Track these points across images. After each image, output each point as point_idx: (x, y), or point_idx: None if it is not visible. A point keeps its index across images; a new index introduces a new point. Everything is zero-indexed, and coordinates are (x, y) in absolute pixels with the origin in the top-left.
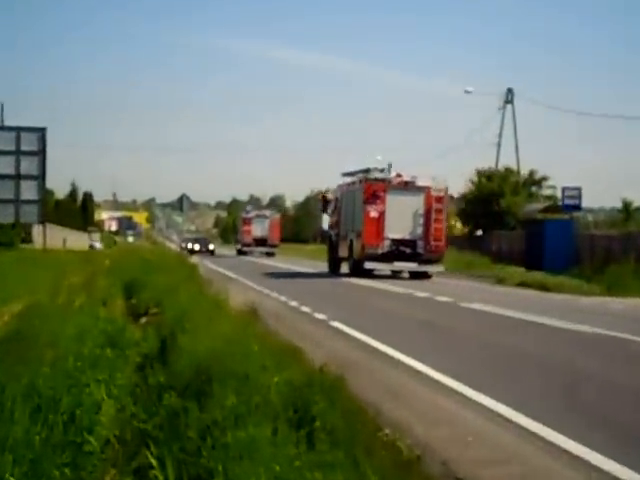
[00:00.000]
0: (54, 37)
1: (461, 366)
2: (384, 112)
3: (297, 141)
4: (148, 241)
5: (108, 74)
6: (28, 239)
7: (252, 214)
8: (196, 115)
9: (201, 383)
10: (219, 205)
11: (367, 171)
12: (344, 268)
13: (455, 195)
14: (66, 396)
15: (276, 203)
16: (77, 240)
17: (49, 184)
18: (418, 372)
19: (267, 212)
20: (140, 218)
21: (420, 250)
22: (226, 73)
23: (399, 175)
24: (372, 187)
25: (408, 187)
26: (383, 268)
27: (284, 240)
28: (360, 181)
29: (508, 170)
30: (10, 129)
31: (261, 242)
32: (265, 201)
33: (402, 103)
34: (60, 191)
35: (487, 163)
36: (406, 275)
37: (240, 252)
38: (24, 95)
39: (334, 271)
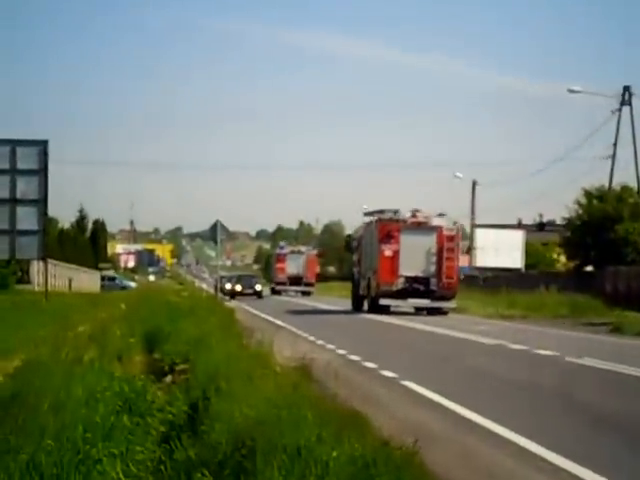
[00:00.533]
0: (58, 39)
1: (580, 444)
2: (465, 118)
3: (356, 156)
4: (174, 280)
5: (123, 80)
6: (25, 279)
7: (286, 250)
8: (232, 127)
9: (241, 458)
10: (261, 235)
11: (382, 212)
12: (366, 306)
13: (558, 221)
14: (74, 474)
15: (332, 231)
16: (86, 280)
17: (52, 210)
18: (520, 448)
19: (303, 248)
20: (164, 251)
21: (433, 287)
22: (270, 76)
23: (413, 215)
24: (386, 227)
25: (421, 227)
26: (398, 304)
27: (342, 278)
28: (375, 221)
29: (625, 189)
30: (3, 142)
31: (296, 280)
32: (318, 229)
33: (490, 107)
34: (65, 219)
35: (597, 180)
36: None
37: (274, 291)
38: (22, 104)
39: (357, 308)
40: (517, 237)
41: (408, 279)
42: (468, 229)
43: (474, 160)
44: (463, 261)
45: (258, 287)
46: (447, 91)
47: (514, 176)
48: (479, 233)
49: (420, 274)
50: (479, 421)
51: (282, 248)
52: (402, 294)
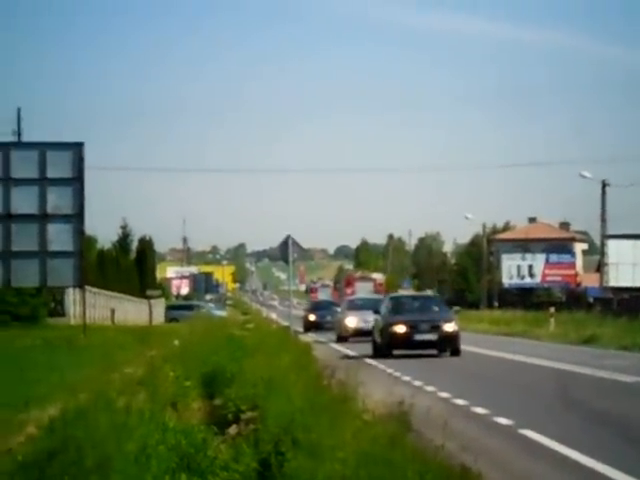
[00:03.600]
0: (96, 32)
1: None
2: (591, 106)
3: (457, 155)
4: (237, 309)
5: (166, 72)
6: (59, 311)
7: (318, 284)
8: (302, 123)
9: None
10: (342, 252)
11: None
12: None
13: None
14: None
15: (428, 246)
16: (132, 310)
17: (89, 227)
18: None
19: (328, 281)
20: (224, 275)
21: (332, 307)
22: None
23: (362, 272)
24: (349, 279)
25: (365, 278)
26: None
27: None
28: (345, 276)
29: None
30: (31, 146)
31: None
32: (412, 244)
33: (621, 90)
34: (106, 237)
35: None
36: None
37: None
38: (55, 103)
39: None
40: None
41: None
42: (598, 240)
43: (604, 156)
44: (592, 281)
45: (450, 327)
46: (567, 72)
47: None
48: (612, 245)
49: None
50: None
51: (315, 283)
52: None
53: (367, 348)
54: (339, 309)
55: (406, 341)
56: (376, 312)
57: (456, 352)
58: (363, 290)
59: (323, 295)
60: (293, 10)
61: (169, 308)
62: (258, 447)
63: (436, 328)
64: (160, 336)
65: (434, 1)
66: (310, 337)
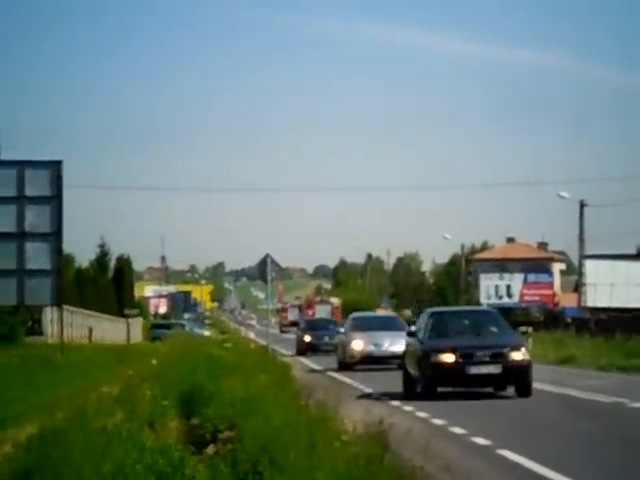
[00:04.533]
0: (73, 49)
1: None
2: (569, 127)
3: (433, 175)
4: (215, 328)
5: (143, 91)
6: (37, 329)
7: (288, 304)
8: (280, 141)
9: None
10: (321, 271)
11: (309, 297)
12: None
13: None
14: None
15: (406, 265)
16: (109, 329)
17: (67, 245)
18: None
19: (296, 302)
20: (202, 294)
21: (331, 327)
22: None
23: (322, 296)
24: (310, 301)
25: (324, 302)
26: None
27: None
28: (305, 300)
29: None
30: (9, 164)
31: (296, 324)
32: (390, 263)
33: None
34: (83, 255)
35: None
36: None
37: (282, 332)
38: (32, 120)
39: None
40: (636, 269)
41: None
42: (576, 260)
43: (581, 176)
44: (570, 301)
45: (519, 355)
46: (546, 92)
47: (631, 194)
48: (590, 265)
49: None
50: None
51: (286, 303)
52: None
53: (384, 380)
54: (341, 329)
55: (456, 375)
56: (410, 334)
57: (526, 391)
58: (322, 312)
59: (292, 315)
60: (245, 24)
61: (153, 327)
62: (236, 467)
63: (499, 357)
64: (138, 355)
65: (414, 20)
66: (299, 362)
